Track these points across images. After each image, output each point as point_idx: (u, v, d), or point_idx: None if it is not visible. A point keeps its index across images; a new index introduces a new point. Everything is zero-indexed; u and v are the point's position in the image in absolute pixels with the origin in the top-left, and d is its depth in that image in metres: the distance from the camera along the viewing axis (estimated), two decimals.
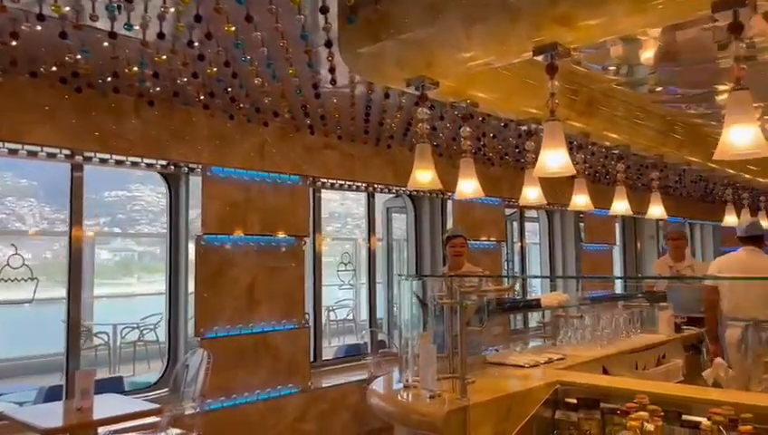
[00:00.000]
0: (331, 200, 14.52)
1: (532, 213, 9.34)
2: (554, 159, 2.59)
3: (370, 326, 6.84)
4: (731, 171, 6.65)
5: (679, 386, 3.50)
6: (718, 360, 4.32)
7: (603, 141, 4.91)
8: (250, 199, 5.26)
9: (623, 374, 4.04)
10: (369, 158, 6.24)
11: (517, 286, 8.63)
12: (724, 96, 5.02)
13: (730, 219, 7.47)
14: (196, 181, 5.08)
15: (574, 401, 3.00)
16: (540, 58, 2.65)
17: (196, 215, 5.03)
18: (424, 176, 3.10)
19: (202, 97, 4.48)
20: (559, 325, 4.25)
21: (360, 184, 6.40)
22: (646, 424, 2.62)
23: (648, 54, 3.95)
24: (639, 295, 5.05)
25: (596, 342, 4.20)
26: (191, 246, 5.05)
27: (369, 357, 6.17)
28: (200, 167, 5.02)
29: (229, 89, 4.26)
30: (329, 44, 3.24)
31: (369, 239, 6.92)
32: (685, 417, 2.65)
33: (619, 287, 9.09)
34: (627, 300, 4.85)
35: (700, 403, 2.68)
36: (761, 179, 7.44)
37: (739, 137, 2.10)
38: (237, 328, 5.08)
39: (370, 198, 6.81)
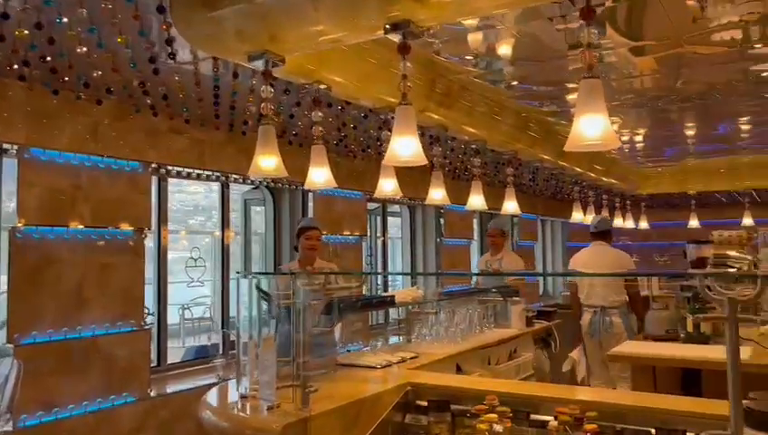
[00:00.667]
0: (195, 193, 13.73)
1: (395, 208, 9.32)
2: (406, 146, 2.40)
3: (223, 326, 6.40)
4: (579, 170, 6.96)
5: (529, 385, 3.48)
6: (573, 353, 4.47)
7: (461, 135, 4.87)
8: (80, 187, 4.64)
9: (476, 371, 4.00)
10: (222, 145, 5.80)
11: (379, 282, 8.56)
12: (575, 95, 5.18)
13: (577, 216, 7.86)
14: (12, 164, 4.40)
15: (425, 403, 2.86)
16: (393, 38, 2.45)
17: (11, 203, 4.35)
18: (268, 162, 2.80)
19: (15, 66, 3.84)
20: (414, 322, 4.13)
21: (211, 173, 5.94)
22: (495, 426, 2.51)
23: (505, 48, 3.92)
24: (494, 290, 5.08)
25: (450, 338, 4.13)
26: (4, 239, 4.36)
27: (218, 359, 5.75)
28: (16, 148, 4.34)
29: (48, 57, 3.68)
30: (161, 10, 2.84)
31: (222, 233, 6.46)
32: (533, 417, 2.58)
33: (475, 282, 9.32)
34: (481, 295, 4.85)
35: (548, 402, 2.63)
36: (604, 178, 7.88)
37: (589, 127, 2.02)
38: (62, 332, 4.47)
39: (224, 188, 6.37)
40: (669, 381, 3.85)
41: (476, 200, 4.85)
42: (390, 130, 3.85)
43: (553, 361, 5.47)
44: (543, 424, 2.52)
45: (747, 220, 8.84)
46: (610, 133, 2.02)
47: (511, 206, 5.24)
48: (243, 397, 2.64)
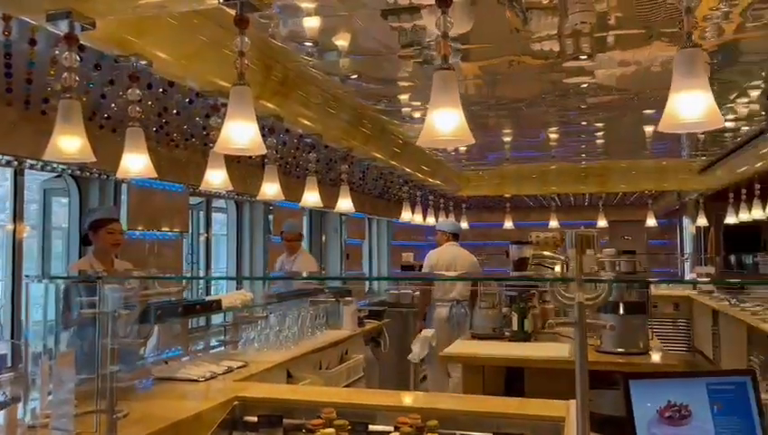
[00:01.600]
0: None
1: (221, 203, 8.79)
2: (242, 132, 2.11)
3: (12, 335, 5.51)
4: (408, 170, 7.04)
5: (367, 393, 3.32)
6: (425, 331, 4.46)
7: (296, 127, 4.63)
8: None
9: (307, 377, 3.79)
10: (16, 124, 4.97)
11: (201, 285, 8.00)
12: (406, 95, 5.18)
13: (406, 215, 7.97)
14: None
15: (255, 419, 2.59)
16: (229, 10, 2.15)
17: None
18: (69, 142, 2.34)
19: None
20: (242, 327, 3.81)
21: (1, 157, 5.07)
22: None
23: (341, 40, 3.75)
24: (326, 290, 4.91)
25: (281, 343, 3.87)
26: None
27: (5, 374, 4.91)
28: None
29: None
30: None
31: (14, 227, 5.57)
32: (372, 428, 2.43)
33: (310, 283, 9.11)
34: (314, 296, 4.65)
35: (389, 411, 2.49)
36: (431, 180, 8.10)
37: (443, 121, 1.90)
38: None
39: (17, 175, 5.48)
40: (496, 380, 3.94)
41: (311, 198, 4.65)
42: (220, 117, 3.52)
43: (382, 360, 5.43)
44: None
45: (554, 223, 9.62)
46: (463, 127, 1.92)
47: (345, 204, 5.11)
48: (31, 427, 2.17)
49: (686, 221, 11.24)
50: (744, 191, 7.86)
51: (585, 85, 4.90)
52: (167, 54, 2.99)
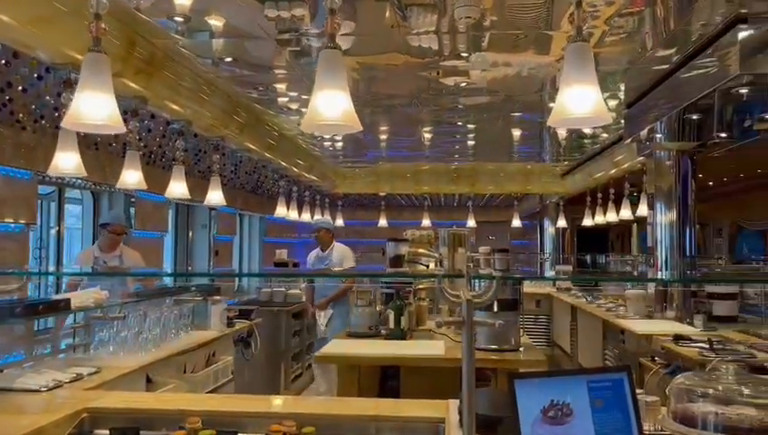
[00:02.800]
0: None
1: (76, 193, 8.03)
2: (96, 105, 1.83)
3: None
4: (284, 164, 6.83)
5: (235, 399, 3.09)
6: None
7: (163, 112, 4.28)
8: None
9: (170, 382, 3.49)
10: None
11: (51, 281, 7.25)
12: (282, 85, 4.98)
13: (281, 211, 7.73)
14: None
15: (106, 432, 2.30)
16: None
17: None
18: None
19: None
20: (95, 328, 3.43)
21: None
22: None
23: (215, 19, 3.50)
24: (193, 289, 4.58)
25: (141, 346, 3.53)
26: None
27: None
28: None
29: None
30: None
31: None
32: None
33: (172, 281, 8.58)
34: (178, 294, 4.32)
35: (260, 417, 2.30)
36: (306, 175, 7.92)
37: (329, 104, 1.76)
38: None
39: None
40: (371, 380, 3.86)
41: (178, 188, 4.32)
42: (70, 91, 3.13)
43: (253, 362, 5.19)
44: None
45: (426, 221, 9.79)
46: (349, 110, 1.78)
47: (215, 196, 4.82)
48: None
49: (546, 223, 11.92)
50: (599, 196, 8.42)
51: (461, 85, 4.98)
52: (11, 18, 2.60)
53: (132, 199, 8.40)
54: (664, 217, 5.43)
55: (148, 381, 3.42)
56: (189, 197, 4.33)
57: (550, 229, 11.76)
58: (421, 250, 5.49)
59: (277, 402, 2.48)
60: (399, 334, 3.91)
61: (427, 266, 5.32)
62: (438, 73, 4.67)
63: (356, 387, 3.39)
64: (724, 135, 4.45)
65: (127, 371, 3.15)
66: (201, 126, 4.63)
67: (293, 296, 7.34)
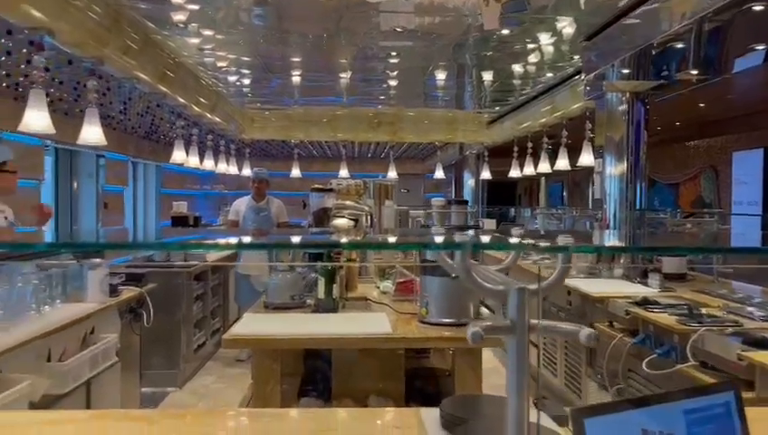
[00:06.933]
0: None
1: None
2: None
3: None
4: (181, 100, 5.78)
5: (109, 413, 2.09)
6: None
7: (16, 18, 3.20)
8: None
9: (24, 378, 2.59)
10: None
11: None
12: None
13: (179, 156, 6.70)
14: None
15: None
16: None
17: None
18: None
19: None
20: None
21: None
22: None
23: None
24: (62, 251, 3.61)
25: None
26: None
27: None
28: None
29: None
30: None
31: None
32: None
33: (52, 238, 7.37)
34: (41, 257, 3.34)
35: None
36: (209, 115, 6.89)
37: None
38: None
39: None
40: (294, 363, 3.12)
41: (37, 119, 3.29)
42: None
43: (145, 337, 4.31)
44: None
45: (344, 172, 8.99)
46: None
47: (92, 133, 3.81)
48: None
49: (466, 175, 11.43)
50: (530, 145, 7.93)
51: (383, 23, 4.27)
52: None
53: None
54: (614, 169, 4.97)
55: None
56: (53, 131, 3.31)
57: (470, 182, 11.29)
58: (348, 202, 4.74)
59: (169, 425, 1.66)
60: (331, 305, 3.16)
61: (356, 221, 4.58)
62: (358, 9, 3.96)
63: (277, 381, 2.63)
64: (694, 72, 3.95)
65: None
66: (69, 41, 3.57)
67: (194, 255, 6.40)
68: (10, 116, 3.70)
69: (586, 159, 5.78)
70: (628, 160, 4.89)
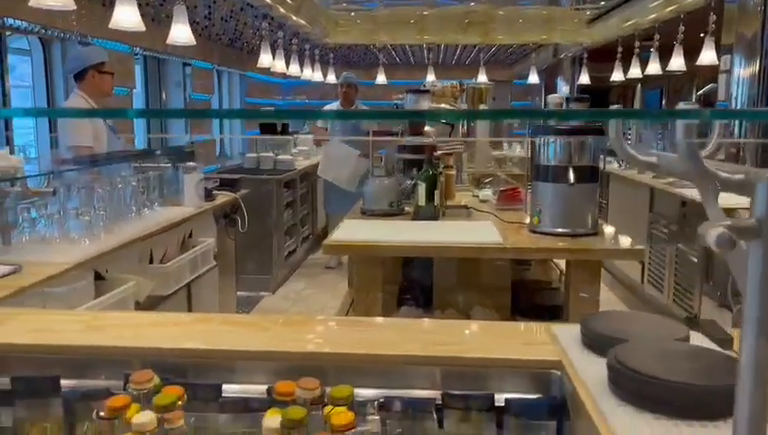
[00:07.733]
0: None
1: (22, 42, 6.70)
2: None
3: None
4: (268, 1, 5.54)
5: (216, 323, 2.04)
6: None
7: None
8: None
9: (129, 278, 2.59)
10: None
11: None
12: None
13: (265, 59, 6.53)
14: None
15: (8, 382, 1.40)
16: None
17: None
18: None
19: None
20: (17, 211, 2.45)
21: None
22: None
23: None
24: (158, 152, 3.57)
25: (86, 230, 2.58)
26: None
27: None
28: None
29: None
30: None
31: None
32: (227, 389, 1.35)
33: (141, 143, 7.50)
34: (138, 160, 3.31)
35: (258, 359, 1.41)
36: (294, 17, 6.63)
37: None
38: None
39: None
40: (393, 272, 2.99)
41: (128, 14, 3.16)
42: None
43: (240, 242, 4.32)
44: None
45: (431, 77, 8.61)
46: None
47: (182, 32, 3.66)
48: None
49: (560, 82, 10.74)
50: (637, 45, 7.24)
51: None
52: None
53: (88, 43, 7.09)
54: (743, 70, 4.42)
55: (99, 278, 2.51)
56: (143, 28, 3.18)
57: (564, 88, 10.60)
58: (444, 105, 4.47)
59: (279, 331, 1.55)
60: (431, 213, 2.98)
61: (452, 126, 4.32)
62: None
63: (379, 289, 2.51)
64: None
65: (62, 268, 2.22)
66: None
67: (283, 163, 6.37)
68: (99, 22, 3.60)
69: (707, 56, 5.17)
70: (761, 61, 4.33)
